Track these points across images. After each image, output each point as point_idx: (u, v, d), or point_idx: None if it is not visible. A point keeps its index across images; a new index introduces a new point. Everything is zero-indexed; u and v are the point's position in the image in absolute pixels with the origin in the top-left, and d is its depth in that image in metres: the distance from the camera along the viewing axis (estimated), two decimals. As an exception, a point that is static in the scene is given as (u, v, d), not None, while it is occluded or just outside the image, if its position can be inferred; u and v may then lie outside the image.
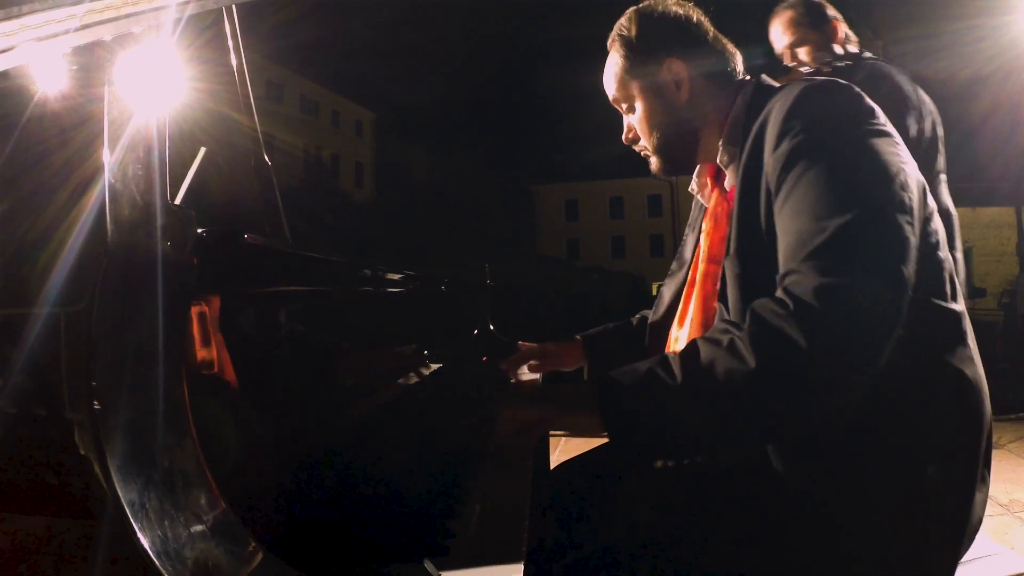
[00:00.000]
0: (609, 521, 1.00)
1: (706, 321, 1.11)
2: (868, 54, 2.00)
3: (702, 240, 1.18)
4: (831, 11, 2.05)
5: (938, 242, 0.92)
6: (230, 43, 1.34)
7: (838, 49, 1.96)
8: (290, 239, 1.39)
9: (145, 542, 0.49)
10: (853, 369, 0.78)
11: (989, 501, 0.95)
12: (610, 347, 1.53)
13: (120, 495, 0.49)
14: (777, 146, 0.91)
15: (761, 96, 1.05)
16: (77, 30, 0.56)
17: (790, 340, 0.77)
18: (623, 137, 1.23)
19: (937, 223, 0.93)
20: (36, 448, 0.54)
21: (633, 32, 1.15)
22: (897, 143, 0.91)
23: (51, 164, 0.56)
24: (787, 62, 1.99)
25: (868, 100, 0.93)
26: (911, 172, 0.89)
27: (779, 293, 0.82)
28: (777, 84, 1.09)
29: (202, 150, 1.28)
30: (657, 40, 1.14)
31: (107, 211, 0.53)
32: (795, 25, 2.04)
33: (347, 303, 1.17)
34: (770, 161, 0.91)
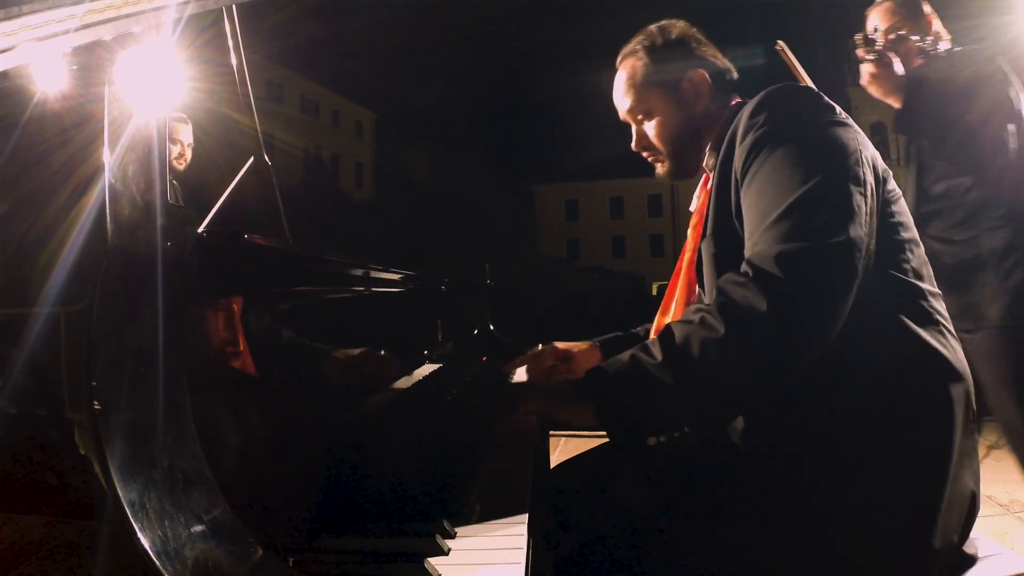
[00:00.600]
0: (609, 521, 1.00)
1: (689, 302, 1.19)
2: (959, 48, 2.02)
3: (689, 233, 1.26)
4: (927, 7, 2.10)
5: (902, 223, 1.00)
6: (230, 43, 1.34)
7: (931, 40, 2.00)
8: (290, 239, 1.39)
9: (145, 542, 0.49)
10: (814, 323, 0.84)
11: (989, 501, 0.95)
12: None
13: (120, 495, 0.49)
14: (743, 139, 1.01)
15: (741, 107, 1.12)
16: (77, 30, 0.56)
17: (752, 303, 0.84)
18: (633, 145, 1.29)
19: (902, 208, 1.01)
20: (36, 448, 0.54)
21: (658, 43, 1.24)
22: (856, 132, 0.99)
23: (51, 164, 0.56)
24: (875, 50, 1.96)
25: (827, 99, 1.02)
26: (868, 154, 0.98)
27: (743, 265, 0.89)
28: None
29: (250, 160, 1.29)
30: (680, 51, 1.24)
31: (107, 211, 0.53)
32: (892, 15, 2.09)
33: (347, 303, 1.17)
34: (738, 153, 1.01)
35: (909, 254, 0.98)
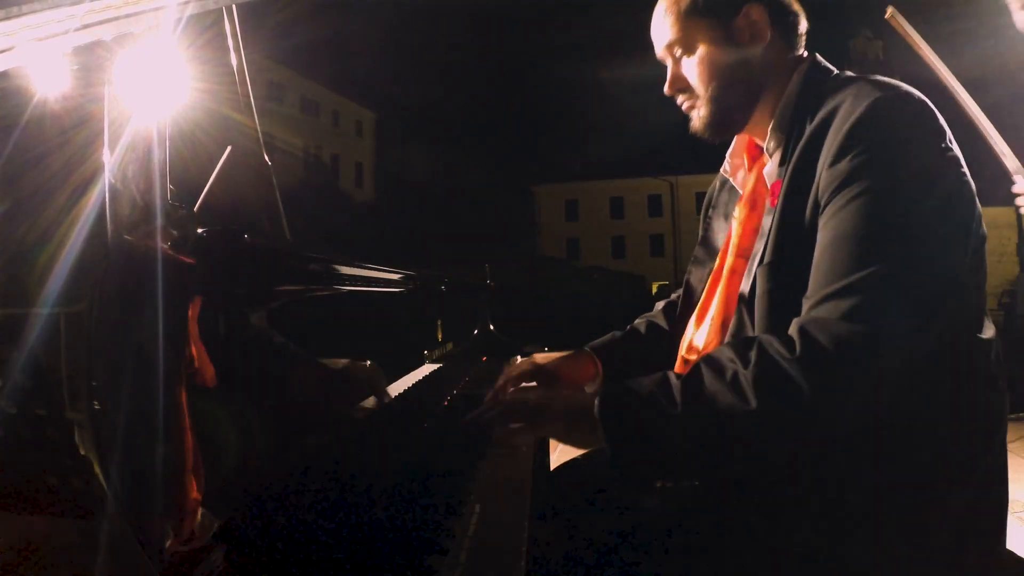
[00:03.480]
0: (609, 521, 1.00)
1: (725, 323, 1.06)
2: None
3: (734, 228, 1.10)
4: None
5: (985, 272, 0.89)
6: (230, 43, 1.34)
7: None
8: (290, 239, 1.39)
9: (145, 542, 0.49)
10: (855, 416, 0.79)
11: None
12: (626, 361, 1.36)
13: (120, 495, 0.49)
14: (836, 161, 0.84)
15: (818, 81, 0.99)
16: (77, 30, 0.56)
17: (794, 387, 0.76)
18: (666, 88, 1.09)
19: (983, 249, 0.89)
20: (36, 448, 0.54)
21: None
22: (963, 169, 0.86)
23: (51, 164, 0.56)
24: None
25: (940, 119, 0.87)
26: (968, 202, 0.85)
27: (793, 329, 0.80)
28: (834, 69, 1.03)
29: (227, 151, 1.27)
30: None
31: (107, 211, 0.53)
32: None
33: (347, 303, 1.17)
34: (827, 175, 0.85)
35: (981, 304, 0.89)
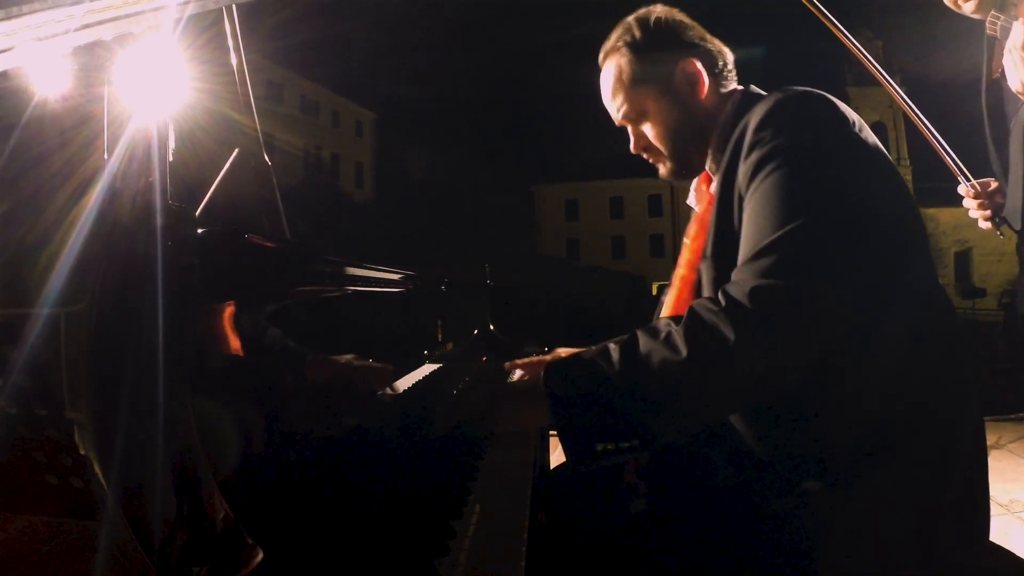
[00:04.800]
0: (609, 521, 1.00)
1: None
2: None
3: (687, 243, 1.19)
4: None
5: (922, 247, 0.93)
6: (230, 43, 1.34)
7: None
8: (290, 239, 1.39)
9: (145, 542, 0.49)
10: (775, 367, 0.83)
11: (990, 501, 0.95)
12: None
13: (120, 495, 0.49)
14: (748, 154, 0.93)
15: (746, 104, 1.06)
16: (77, 30, 0.56)
17: (718, 333, 0.82)
18: (632, 147, 1.21)
19: (918, 227, 0.94)
20: (36, 448, 0.54)
21: (639, 37, 1.13)
22: (870, 150, 0.92)
23: (51, 164, 0.56)
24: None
25: (844, 109, 0.94)
26: (883, 178, 0.92)
27: (720, 294, 0.86)
28: (763, 93, 1.10)
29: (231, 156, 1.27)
30: (666, 42, 1.13)
31: (107, 211, 0.53)
32: None
33: (347, 303, 1.17)
34: (742, 168, 0.94)
35: (919, 269, 0.92)
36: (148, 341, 0.55)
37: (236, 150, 1.12)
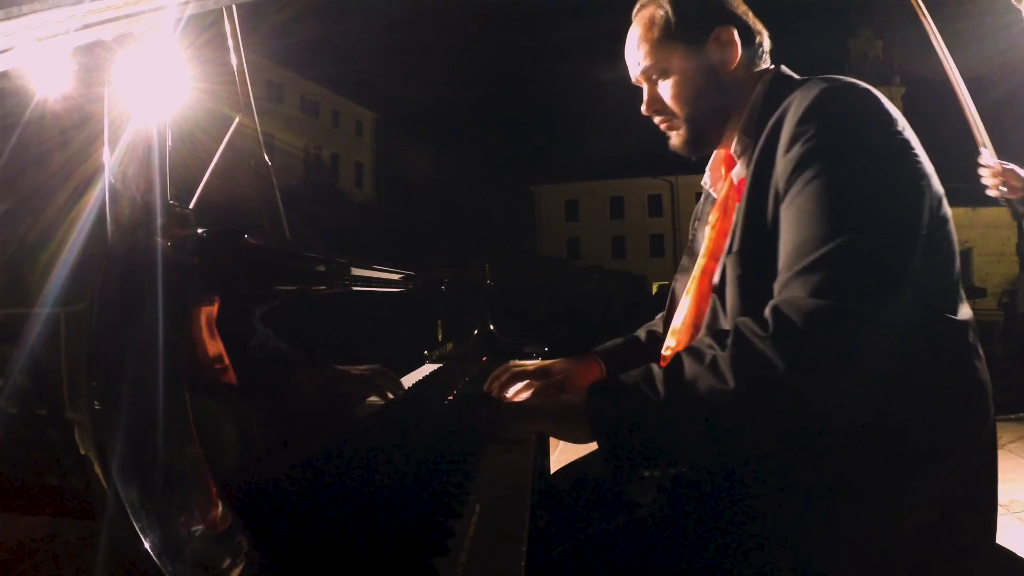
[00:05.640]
0: (609, 521, 1.00)
1: (696, 321, 1.09)
2: None
3: (707, 232, 1.14)
4: None
5: (952, 253, 0.91)
6: (230, 43, 1.34)
7: None
8: (290, 239, 1.39)
9: (145, 542, 0.49)
10: (833, 395, 0.80)
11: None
12: (628, 366, 1.32)
13: (120, 495, 0.49)
14: (790, 148, 0.88)
15: (780, 87, 1.02)
16: (77, 30, 0.56)
17: (768, 362, 0.78)
18: (644, 108, 1.14)
19: (950, 231, 0.91)
20: (36, 448, 0.54)
21: None
22: (914, 150, 0.89)
23: (51, 164, 0.56)
24: None
25: (888, 104, 0.90)
26: (926, 183, 0.87)
27: (766, 311, 0.83)
28: (796, 76, 1.06)
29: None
30: (708, 4, 1.08)
31: (107, 211, 0.53)
32: None
33: (347, 303, 1.17)
34: (782, 162, 0.89)
35: (955, 283, 0.90)
36: (148, 341, 0.55)
37: (225, 144, 1.11)
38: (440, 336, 1.80)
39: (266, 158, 1.40)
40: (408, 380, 1.38)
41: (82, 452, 0.50)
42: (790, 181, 0.87)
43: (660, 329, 1.42)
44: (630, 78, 1.16)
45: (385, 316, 1.41)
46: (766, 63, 1.11)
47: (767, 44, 1.11)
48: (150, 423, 0.53)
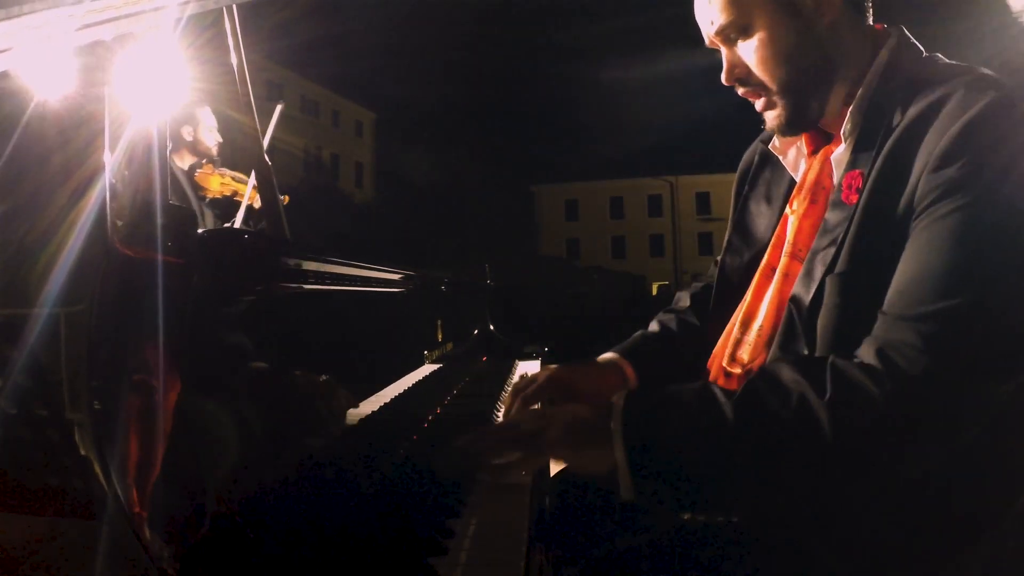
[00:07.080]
0: (610, 522, 1.00)
1: (773, 333, 0.92)
2: None
3: (790, 223, 0.95)
4: None
5: None
6: (230, 43, 1.34)
7: None
8: (290, 239, 1.39)
9: (145, 542, 0.49)
10: (933, 453, 0.71)
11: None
12: (664, 367, 1.16)
13: (120, 495, 0.49)
14: (942, 165, 0.73)
15: (906, 61, 0.86)
16: (77, 30, 0.56)
17: (880, 421, 0.68)
18: (724, 77, 0.92)
19: None
20: (36, 448, 0.54)
21: None
22: None
23: (51, 164, 0.57)
24: None
25: None
26: None
27: (869, 354, 0.71)
28: (921, 48, 0.89)
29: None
30: None
31: (107, 211, 0.53)
32: None
33: (347, 303, 1.17)
34: (928, 179, 0.74)
35: None
36: (148, 341, 0.55)
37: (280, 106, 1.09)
38: (440, 336, 1.80)
39: (266, 158, 1.40)
40: (408, 380, 1.39)
41: (82, 452, 0.51)
42: (932, 203, 0.73)
43: (693, 318, 1.21)
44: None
45: (385, 316, 1.41)
46: (870, 19, 0.91)
47: None
48: (150, 423, 0.53)
